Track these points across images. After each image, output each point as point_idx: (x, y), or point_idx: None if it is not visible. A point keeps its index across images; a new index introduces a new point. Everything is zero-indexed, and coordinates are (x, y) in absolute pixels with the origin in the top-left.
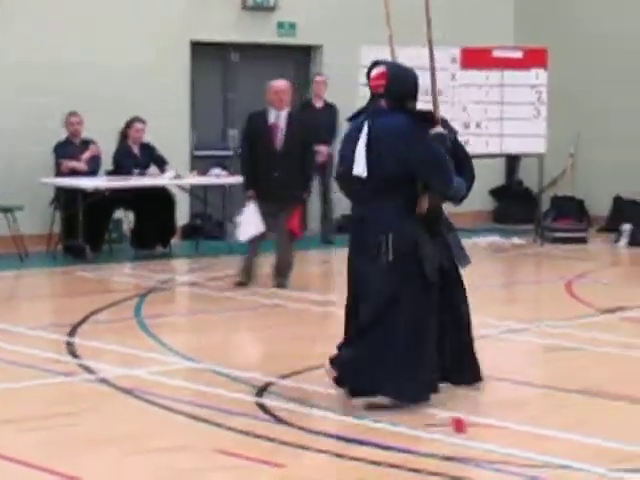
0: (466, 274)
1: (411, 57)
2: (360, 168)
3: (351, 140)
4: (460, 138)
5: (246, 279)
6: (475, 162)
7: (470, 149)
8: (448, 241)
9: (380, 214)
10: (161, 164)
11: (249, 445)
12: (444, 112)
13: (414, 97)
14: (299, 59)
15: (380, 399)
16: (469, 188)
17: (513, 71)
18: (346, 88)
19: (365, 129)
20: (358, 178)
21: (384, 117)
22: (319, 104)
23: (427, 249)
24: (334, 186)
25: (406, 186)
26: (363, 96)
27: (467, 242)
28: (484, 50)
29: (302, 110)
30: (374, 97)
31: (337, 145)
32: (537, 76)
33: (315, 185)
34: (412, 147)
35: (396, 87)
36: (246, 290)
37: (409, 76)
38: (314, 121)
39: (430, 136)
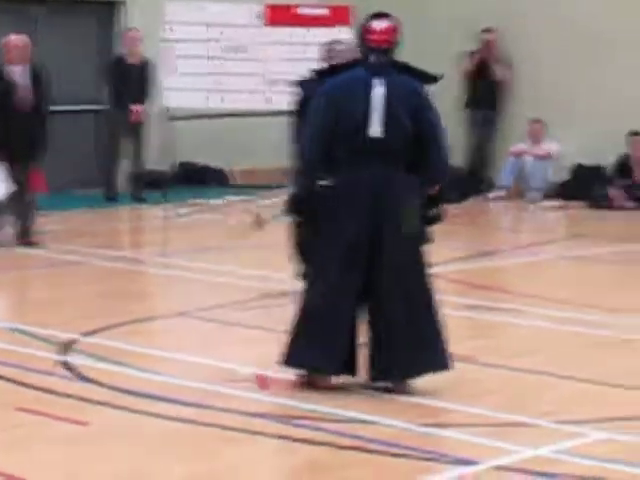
0: None
1: (221, 12)
2: (377, 128)
3: (357, 96)
4: (265, 96)
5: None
6: (281, 119)
7: (275, 106)
8: None
9: (397, 176)
10: None
11: (51, 402)
12: (249, 69)
13: None
14: (102, 14)
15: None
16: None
17: (317, 28)
18: (149, 44)
19: (379, 87)
20: (372, 139)
21: (393, 76)
22: (133, 60)
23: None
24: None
25: (411, 149)
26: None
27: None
28: (288, 7)
29: (115, 67)
30: (371, 52)
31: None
32: (341, 33)
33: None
34: (426, 108)
35: (398, 44)
36: (46, 247)
37: None
38: (128, 78)
39: None
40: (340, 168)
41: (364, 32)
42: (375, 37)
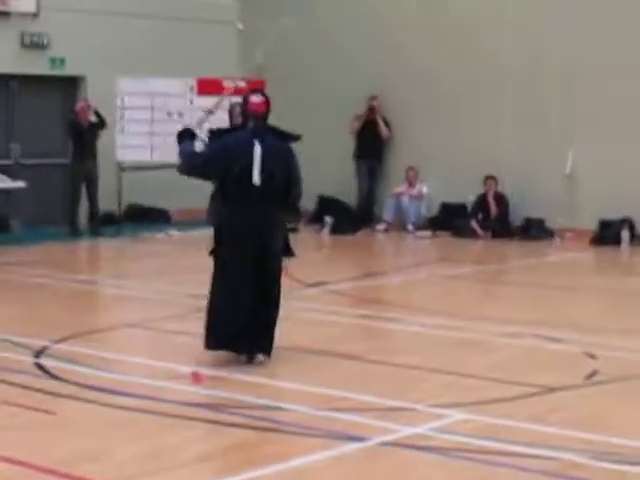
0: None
1: (162, 85)
2: (257, 178)
3: (243, 153)
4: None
5: None
6: None
7: None
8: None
9: (271, 212)
10: None
11: (28, 397)
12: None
13: None
14: (68, 87)
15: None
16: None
17: (239, 97)
18: (105, 110)
19: (258, 147)
20: (253, 185)
21: (268, 137)
22: (84, 123)
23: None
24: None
25: (282, 192)
26: (121, 117)
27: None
28: (215, 80)
29: (71, 129)
30: (250, 118)
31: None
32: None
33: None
34: (292, 163)
35: (269, 112)
36: (26, 272)
37: None
38: (82, 137)
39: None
40: (233, 204)
41: (245, 104)
42: (253, 107)
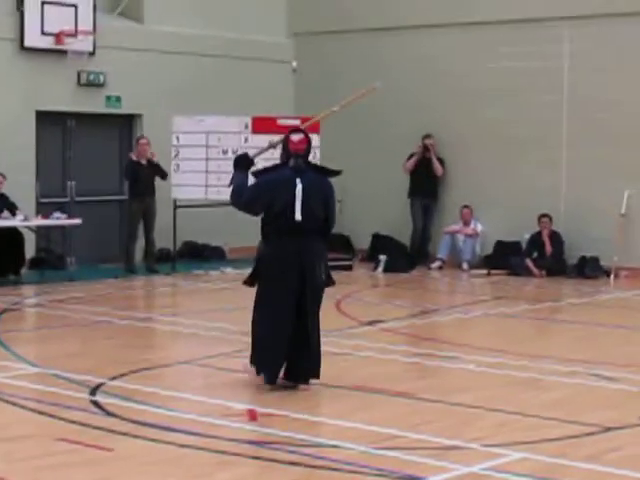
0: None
1: (217, 123)
2: (299, 214)
3: (286, 190)
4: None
5: None
6: None
7: None
8: None
9: (311, 245)
10: (13, 209)
11: (83, 433)
12: None
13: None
14: (124, 125)
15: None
16: None
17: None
18: (160, 149)
19: (299, 185)
20: (295, 221)
21: (308, 174)
22: (143, 161)
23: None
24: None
25: (321, 225)
26: (175, 155)
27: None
28: (270, 118)
29: (129, 167)
30: (291, 155)
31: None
32: (312, 139)
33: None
34: (330, 197)
35: (310, 150)
36: (82, 310)
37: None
38: (140, 175)
39: None
40: (274, 239)
41: (286, 142)
42: (295, 146)
